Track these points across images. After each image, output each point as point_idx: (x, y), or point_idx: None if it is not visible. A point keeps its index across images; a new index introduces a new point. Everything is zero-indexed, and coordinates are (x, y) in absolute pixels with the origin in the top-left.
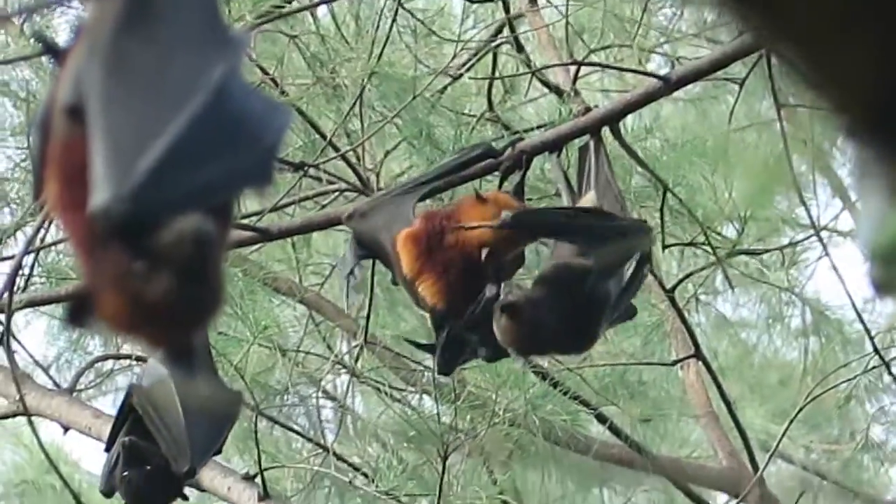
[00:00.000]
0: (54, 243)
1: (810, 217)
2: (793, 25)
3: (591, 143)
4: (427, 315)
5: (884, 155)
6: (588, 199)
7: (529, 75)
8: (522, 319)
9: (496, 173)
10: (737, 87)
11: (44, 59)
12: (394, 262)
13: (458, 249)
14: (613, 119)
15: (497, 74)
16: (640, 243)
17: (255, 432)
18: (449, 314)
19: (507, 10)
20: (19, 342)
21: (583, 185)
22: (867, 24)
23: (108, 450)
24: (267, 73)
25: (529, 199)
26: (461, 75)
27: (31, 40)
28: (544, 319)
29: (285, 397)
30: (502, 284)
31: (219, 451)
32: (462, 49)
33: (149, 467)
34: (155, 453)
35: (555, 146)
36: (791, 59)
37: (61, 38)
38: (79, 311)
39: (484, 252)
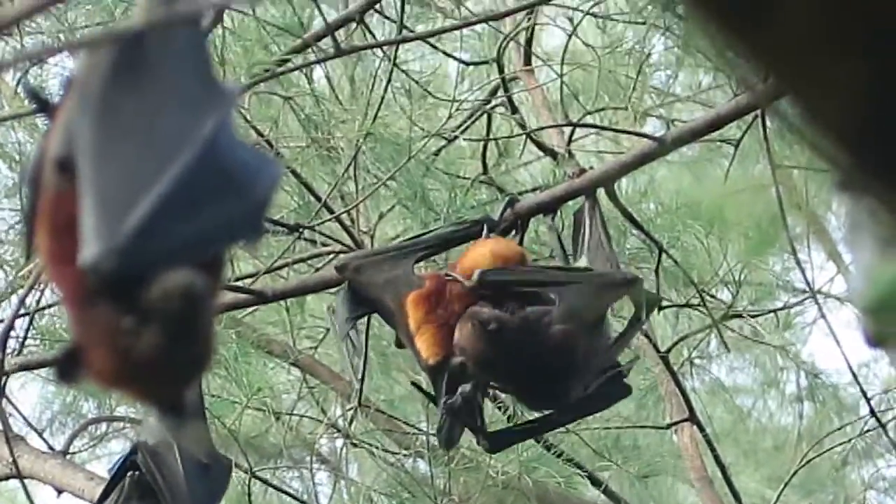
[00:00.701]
0: (48, 307)
1: (806, 279)
2: (781, 51)
3: (586, 205)
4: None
5: (874, 193)
6: (581, 263)
7: (524, 137)
8: (486, 332)
9: (492, 235)
10: (731, 150)
11: (38, 120)
12: (398, 322)
13: (456, 302)
14: (608, 180)
15: (492, 136)
16: (618, 290)
17: (249, 495)
18: (443, 366)
19: (501, 71)
20: (13, 405)
21: (577, 249)
22: (857, 51)
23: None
24: (262, 135)
25: None
26: (456, 137)
27: (24, 98)
28: (507, 344)
29: (279, 460)
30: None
31: None
32: (457, 110)
33: None
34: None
35: (549, 208)
36: (778, 79)
37: (53, 95)
38: (69, 366)
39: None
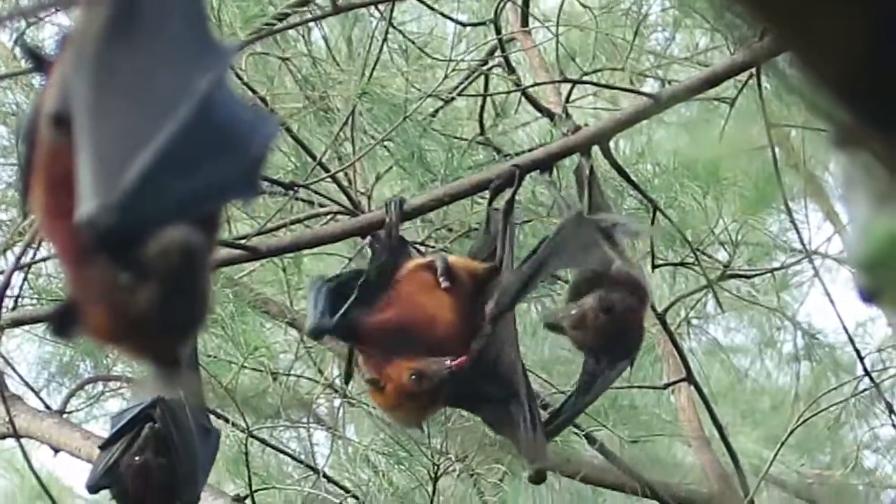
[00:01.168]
0: (42, 259)
1: (801, 240)
2: (777, 3)
3: (581, 161)
4: None
5: (870, 148)
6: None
7: (520, 96)
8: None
9: (486, 192)
10: (728, 110)
11: (35, 79)
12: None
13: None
14: (604, 137)
15: (488, 95)
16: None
17: (247, 455)
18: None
19: (498, 32)
20: (10, 364)
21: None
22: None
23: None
24: (258, 95)
25: (517, 223)
26: (453, 98)
27: (20, 56)
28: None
29: (276, 420)
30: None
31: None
32: (453, 71)
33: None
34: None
35: (545, 164)
36: (776, 30)
37: (49, 53)
38: (65, 321)
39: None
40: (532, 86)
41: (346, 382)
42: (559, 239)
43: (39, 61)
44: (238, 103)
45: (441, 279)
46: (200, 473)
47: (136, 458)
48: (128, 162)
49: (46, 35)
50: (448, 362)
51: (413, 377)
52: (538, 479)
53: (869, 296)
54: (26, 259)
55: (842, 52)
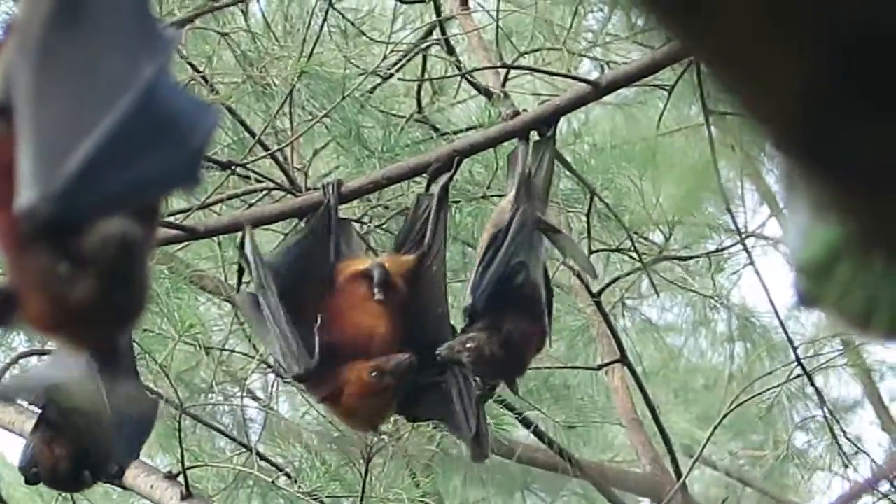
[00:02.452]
0: None
1: (735, 225)
2: (715, 32)
3: (519, 147)
4: None
5: (807, 167)
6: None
7: (459, 77)
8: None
9: (425, 175)
10: (666, 93)
11: None
12: None
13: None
14: (542, 123)
15: (427, 76)
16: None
17: (179, 431)
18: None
19: (437, 11)
20: None
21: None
22: (791, 31)
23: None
24: (197, 71)
25: (457, 202)
26: (391, 76)
27: None
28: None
29: (209, 396)
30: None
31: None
32: (392, 50)
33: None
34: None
35: (484, 149)
36: (714, 68)
37: None
38: (2, 309)
39: None
40: (472, 70)
41: None
42: (520, 238)
43: None
44: (180, 93)
45: (376, 291)
46: (121, 445)
47: (39, 450)
48: (69, 151)
49: None
50: (404, 356)
51: (374, 374)
52: (478, 458)
53: (808, 300)
54: None
55: (791, 94)
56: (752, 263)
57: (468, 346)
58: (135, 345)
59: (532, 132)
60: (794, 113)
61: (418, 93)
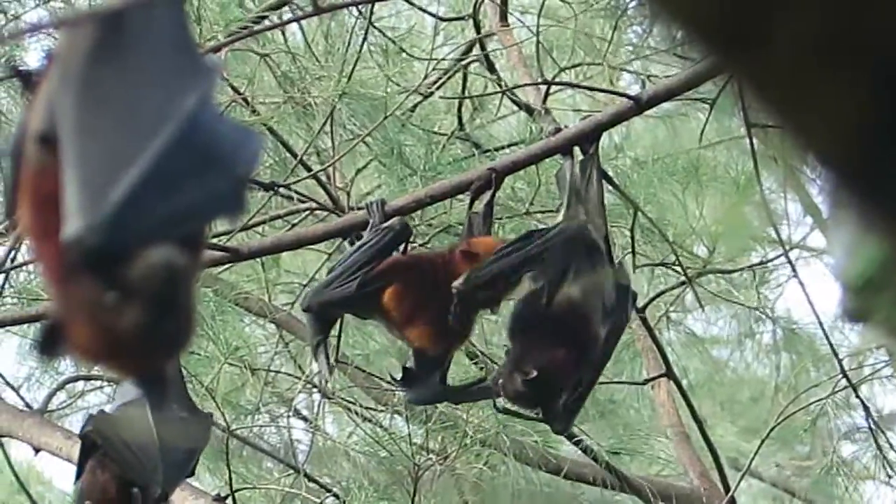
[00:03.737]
0: (25, 263)
1: (779, 237)
2: (768, 66)
3: (564, 164)
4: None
5: (859, 193)
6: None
7: (500, 94)
8: (540, 380)
9: (468, 193)
10: (706, 105)
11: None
12: (381, 318)
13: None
14: (584, 139)
15: (467, 93)
16: (571, 233)
17: (227, 453)
18: (437, 357)
19: (477, 28)
20: None
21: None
22: (846, 66)
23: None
24: (238, 92)
25: (499, 219)
26: (432, 94)
27: (2, 66)
28: (557, 361)
29: (256, 417)
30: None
31: (191, 474)
32: (433, 68)
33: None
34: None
35: (526, 166)
36: (766, 99)
37: (31, 60)
38: (50, 339)
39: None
40: (513, 88)
41: (331, 374)
42: (551, 244)
43: (27, 80)
44: (223, 120)
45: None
46: (167, 470)
47: (89, 478)
48: (114, 181)
49: (31, 48)
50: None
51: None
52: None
53: (856, 317)
54: (8, 261)
55: (845, 131)
56: (796, 275)
57: (499, 381)
58: (182, 368)
59: (574, 148)
60: (849, 144)
61: (459, 110)
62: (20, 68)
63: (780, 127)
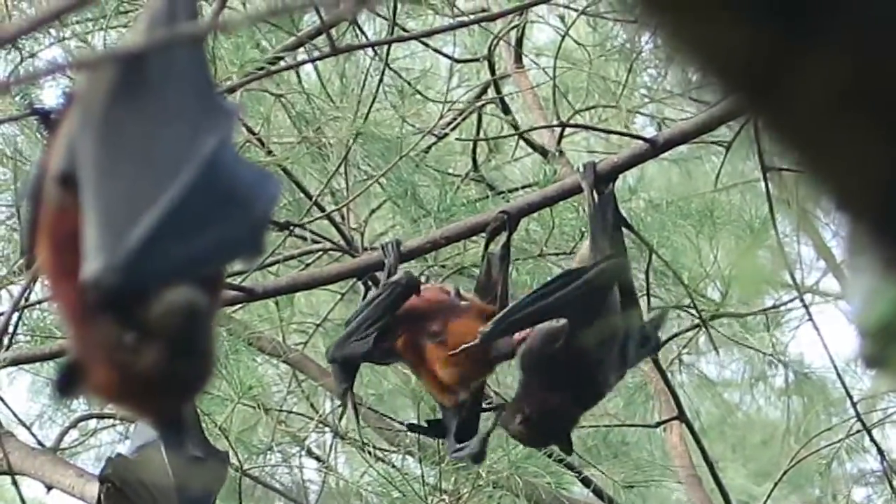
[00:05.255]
0: (39, 302)
1: (794, 281)
2: (790, 114)
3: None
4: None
5: (881, 239)
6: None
7: (515, 136)
8: (536, 423)
9: (482, 234)
10: (721, 148)
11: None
12: (404, 359)
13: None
14: (600, 181)
15: (482, 134)
16: (606, 276)
17: (240, 493)
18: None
19: (492, 70)
20: (2, 399)
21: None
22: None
23: None
24: (253, 133)
25: (516, 260)
26: (446, 135)
27: (21, 105)
28: (554, 406)
29: (269, 457)
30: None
31: None
32: (447, 109)
33: None
34: None
35: (540, 208)
36: (788, 145)
37: (49, 99)
38: (68, 379)
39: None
40: (528, 130)
41: (340, 419)
42: (579, 293)
43: (45, 119)
44: (242, 163)
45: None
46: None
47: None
48: (133, 222)
49: (49, 94)
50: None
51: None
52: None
53: (874, 363)
54: (18, 295)
55: (869, 179)
56: (811, 318)
57: (503, 416)
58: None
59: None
60: (870, 191)
61: (473, 151)
62: (39, 107)
63: (799, 171)
